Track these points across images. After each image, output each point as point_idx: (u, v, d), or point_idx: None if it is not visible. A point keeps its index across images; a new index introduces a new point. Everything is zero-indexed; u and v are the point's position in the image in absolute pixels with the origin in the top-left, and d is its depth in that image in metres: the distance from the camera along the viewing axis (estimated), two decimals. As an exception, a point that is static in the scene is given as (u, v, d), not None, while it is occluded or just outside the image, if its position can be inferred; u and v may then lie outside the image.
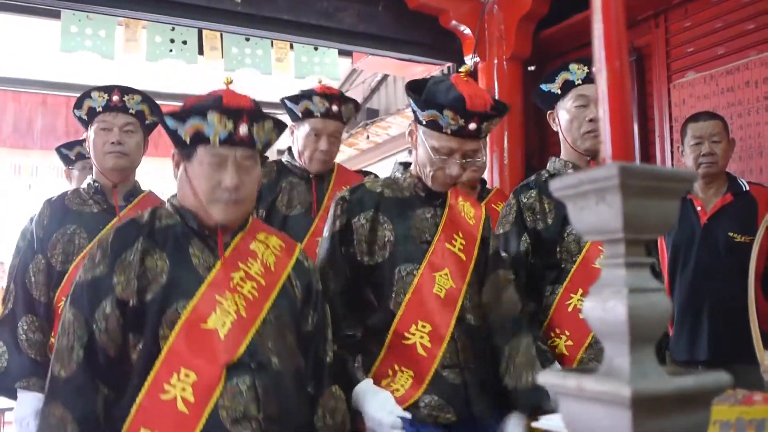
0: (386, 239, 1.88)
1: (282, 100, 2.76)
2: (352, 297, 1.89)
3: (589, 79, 2.18)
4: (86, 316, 1.50)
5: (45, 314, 2.30)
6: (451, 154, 1.82)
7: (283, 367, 1.55)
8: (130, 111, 2.46)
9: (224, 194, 1.55)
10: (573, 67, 2.20)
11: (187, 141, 1.54)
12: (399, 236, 1.88)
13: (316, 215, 2.69)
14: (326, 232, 1.97)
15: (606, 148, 0.65)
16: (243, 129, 1.53)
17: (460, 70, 1.88)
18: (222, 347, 1.47)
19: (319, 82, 2.83)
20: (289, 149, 2.84)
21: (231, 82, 1.68)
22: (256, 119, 1.56)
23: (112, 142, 2.40)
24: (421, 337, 1.80)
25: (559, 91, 2.22)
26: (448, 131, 1.78)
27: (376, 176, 4.43)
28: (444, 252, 1.90)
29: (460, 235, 1.95)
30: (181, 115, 1.54)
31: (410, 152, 2.02)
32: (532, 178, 2.32)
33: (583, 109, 2.20)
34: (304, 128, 2.69)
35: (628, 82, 0.67)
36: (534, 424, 1.00)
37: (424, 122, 1.82)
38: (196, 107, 1.56)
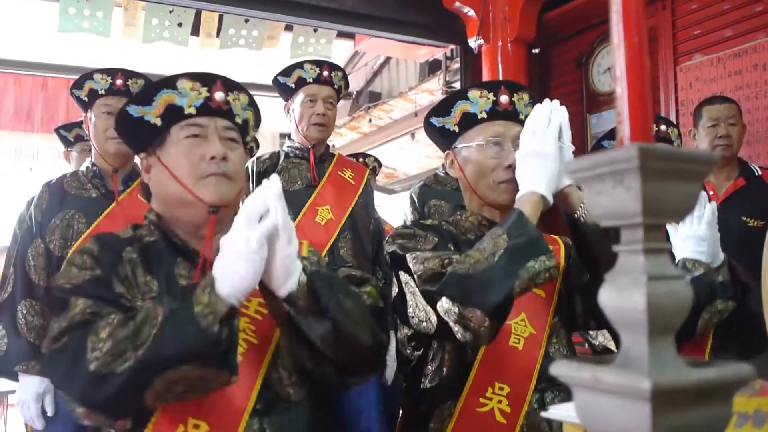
0: None
1: (274, 77, 2.76)
2: None
3: None
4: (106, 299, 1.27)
5: (44, 298, 2.29)
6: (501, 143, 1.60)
7: (299, 396, 1.36)
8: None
9: (210, 167, 1.36)
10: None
11: (158, 123, 1.39)
12: None
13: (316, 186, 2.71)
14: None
15: (624, 128, 0.61)
16: (219, 95, 1.41)
17: None
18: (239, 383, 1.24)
19: None
20: (289, 136, 2.87)
21: None
22: (231, 88, 1.44)
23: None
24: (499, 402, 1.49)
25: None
26: (485, 115, 1.61)
27: (375, 158, 4.43)
28: None
29: None
30: (147, 95, 1.41)
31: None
32: None
33: None
34: (299, 97, 2.71)
35: (647, 59, 0.63)
36: (544, 414, 0.98)
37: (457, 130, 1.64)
38: (162, 81, 1.42)
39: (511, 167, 1.54)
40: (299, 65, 2.73)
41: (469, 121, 1.63)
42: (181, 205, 1.39)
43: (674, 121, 3.75)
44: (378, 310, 1.42)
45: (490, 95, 1.62)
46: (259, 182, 2.70)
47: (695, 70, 3.67)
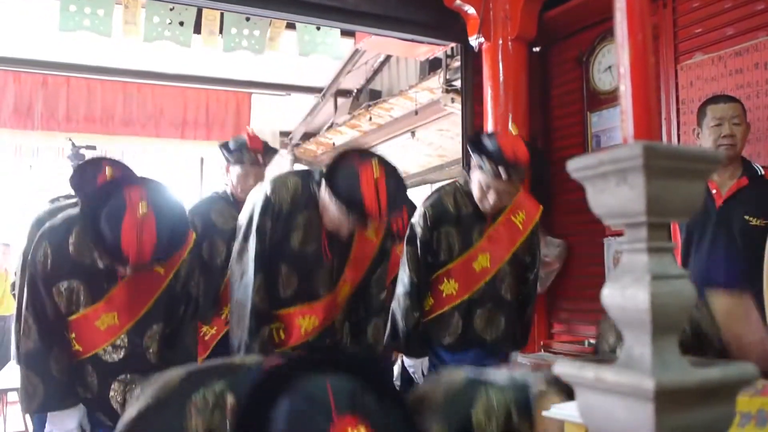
0: None
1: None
2: None
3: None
4: None
5: (63, 341, 2.27)
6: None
7: None
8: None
9: None
10: None
11: None
12: None
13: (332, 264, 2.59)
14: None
15: (628, 126, 0.61)
16: None
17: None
18: None
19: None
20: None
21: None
22: None
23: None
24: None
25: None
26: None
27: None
28: None
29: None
30: None
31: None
32: None
33: None
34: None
35: (651, 56, 0.63)
36: (545, 413, 0.97)
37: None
38: None
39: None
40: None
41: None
42: None
43: (674, 121, 3.75)
44: None
45: None
46: (276, 219, 2.46)
47: (696, 68, 3.66)
